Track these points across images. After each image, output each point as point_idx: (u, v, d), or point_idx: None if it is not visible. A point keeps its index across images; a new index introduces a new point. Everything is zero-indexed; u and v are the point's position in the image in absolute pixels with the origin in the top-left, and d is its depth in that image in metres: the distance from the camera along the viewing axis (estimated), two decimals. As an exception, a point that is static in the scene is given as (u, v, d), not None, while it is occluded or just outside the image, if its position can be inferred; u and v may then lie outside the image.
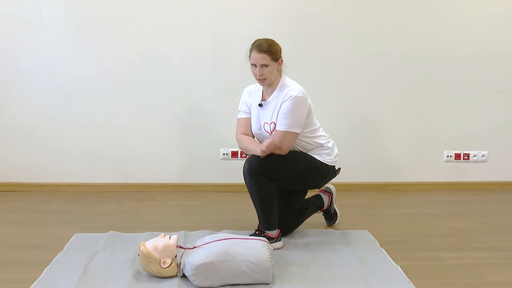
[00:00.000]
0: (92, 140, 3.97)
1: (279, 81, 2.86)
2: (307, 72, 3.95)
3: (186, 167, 4.06)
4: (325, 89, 4.02)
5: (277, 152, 2.78)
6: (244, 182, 2.86)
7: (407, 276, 2.54)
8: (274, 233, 2.89)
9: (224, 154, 4.04)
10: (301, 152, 2.95)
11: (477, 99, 4.15)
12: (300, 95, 2.77)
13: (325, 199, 3.25)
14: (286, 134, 2.77)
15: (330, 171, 3.03)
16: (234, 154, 4.04)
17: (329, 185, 3.31)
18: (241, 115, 3.01)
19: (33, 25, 3.77)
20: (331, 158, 2.99)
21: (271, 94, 2.85)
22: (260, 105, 2.89)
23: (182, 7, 3.81)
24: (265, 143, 2.70)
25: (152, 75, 3.90)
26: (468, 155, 4.24)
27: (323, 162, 2.96)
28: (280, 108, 2.80)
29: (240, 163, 4.01)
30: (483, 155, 4.25)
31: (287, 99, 2.77)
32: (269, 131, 2.85)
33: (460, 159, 4.24)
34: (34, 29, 3.77)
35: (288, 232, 3.06)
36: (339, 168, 3.12)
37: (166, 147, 4.03)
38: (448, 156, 4.23)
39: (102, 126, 3.95)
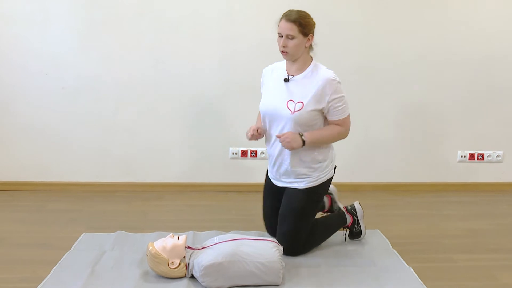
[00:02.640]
0: (100, 138, 3.99)
1: (309, 60, 2.69)
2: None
3: (194, 166, 4.07)
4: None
5: (339, 138, 2.74)
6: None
7: (419, 278, 2.53)
8: (349, 220, 2.98)
9: (233, 153, 4.05)
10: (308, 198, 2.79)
11: (492, 98, 4.12)
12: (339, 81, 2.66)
13: (348, 219, 3.03)
14: (347, 118, 2.75)
15: (330, 180, 2.89)
16: (244, 154, 4.05)
17: (357, 205, 3.11)
18: (262, 89, 2.89)
19: (40, 24, 3.79)
20: (332, 163, 2.89)
21: (301, 72, 2.67)
22: (286, 80, 2.69)
23: (190, 5, 3.82)
24: (282, 137, 2.61)
25: (160, 73, 3.92)
26: (482, 155, 4.22)
27: (324, 181, 2.81)
28: (322, 92, 2.61)
29: (250, 162, 4.06)
30: (498, 156, 4.23)
31: (332, 85, 2.61)
32: (292, 110, 2.63)
33: (474, 159, 4.22)
34: (41, 28, 3.80)
35: (302, 253, 2.85)
36: (335, 166, 2.98)
37: (175, 146, 4.04)
38: (462, 156, 4.21)
39: (110, 125, 3.98)
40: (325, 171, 2.82)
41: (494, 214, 3.67)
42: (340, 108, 2.68)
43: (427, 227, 3.37)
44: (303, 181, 2.77)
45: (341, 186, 4.12)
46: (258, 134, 2.75)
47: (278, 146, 2.73)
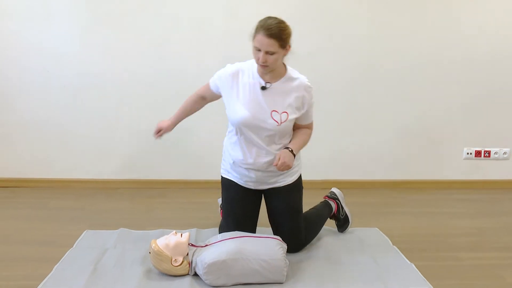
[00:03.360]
0: (102, 135, 4.00)
1: (283, 66, 2.62)
2: (322, 66, 3.94)
3: (198, 163, 4.07)
4: (340, 84, 4.01)
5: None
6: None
7: (423, 276, 2.53)
8: (334, 207, 3.03)
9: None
10: (299, 190, 2.85)
11: (499, 95, 4.11)
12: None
13: (332, 205, 3.08)
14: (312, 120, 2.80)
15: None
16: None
17: (335, 189, 3.17)
18: (211, 87, 2.75)
19: (41, 20, 3.79)
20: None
21: (278, 79, 2.59)
22: (264, 88, 2.58)
23: (193, 1, 3.81)
24: (279, 165, 2.54)
25: (163, 70, 3.91)
26: (489, 152, 4.20)
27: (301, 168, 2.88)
28: (301, 99, 2.61)
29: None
30: (504, 153, 4.21)
31: (308, 90, 2.63)
32: (279, 121, 2.58)
33: (480, 156, 4.21)
34: (43, 24, 3.80)
35: (305, 246, 2.88)
36: None
37: (178, 143, 4.04)
38: (468, 153, 4.20)
39: (112, 121, 3.98)
40: (299, 159, 2.86)
41: (501, 212, 3.66)
42: (311, 112, 2.73)
43: (432, 225, 3.36)
44: (291, 176, 2.79)
45: (344, 184, 4.14)
46: (160, 136, 2.93)
47: (261, 154, 2.66)
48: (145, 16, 3.83)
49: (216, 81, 2.72)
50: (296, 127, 2.75)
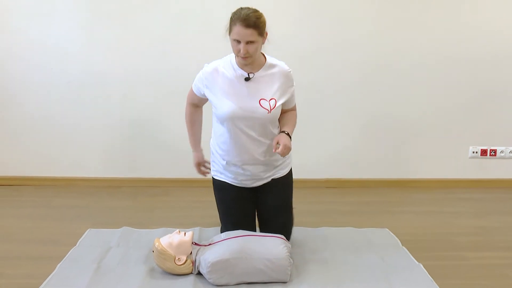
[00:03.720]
0: (106, 133, 4.00)
1: (261, 55, 2.63)
2: (329, 63, 3.94)
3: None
4: (347, 82, 4.00)
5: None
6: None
7: (430, 276, 2.52)
8: None
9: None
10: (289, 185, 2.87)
11: (505, 92, 4.09)
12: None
13: None
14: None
15: None
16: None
17: None
18: (195, 91, 2.75)
19: (45, 17, 3.80)
20: None
21: (260, 68, 2.60)
22: (248, 78, 2.58)
23: (198, -3, 3.83)
24: (282, 149, 2.52)
25: (167, 67, 3.91)
26: (495, 151, 4.19)
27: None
28: (285, 84, 2.63)
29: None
30: (510, 151, 4.19)
31: (289, 75, 2.64)
32: (268, 108, 2.58)
33: (486, 155, 4.19)
34: (47, 21, 3.81)
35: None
36: None
37: (181, 141, 4.02)
38: (473, 152, 4.18)
39: (116, 119, 3.98)
40: (290, 154, 2.80)
41: (506, 211, 3.65)
42: (294, 95, 2.74)
43: (438, 224, 3.35)
44: (283, 168, 2.80)
45: (349, 183, 4.14)
46: (206, 168, 2.92)
47: (255, 146, 2.65)
48: (149, 13, 3.83)
49: (197, 84, 2.72)
50: (281, 113, 2.73)
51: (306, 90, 3.79)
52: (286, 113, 2.76)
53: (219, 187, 2.83)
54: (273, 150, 2.54)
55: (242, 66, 2.59)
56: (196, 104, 2.87)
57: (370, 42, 3.95)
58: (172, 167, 4.08)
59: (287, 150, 2.53)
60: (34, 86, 3.90)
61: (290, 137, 2.62)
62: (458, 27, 3.95)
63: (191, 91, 2.80)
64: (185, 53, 3.89)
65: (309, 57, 3.89)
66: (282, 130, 2.66)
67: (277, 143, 2.53)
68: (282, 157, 2.73)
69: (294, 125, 2.76)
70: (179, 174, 4.08)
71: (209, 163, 2.92)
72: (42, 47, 3.85)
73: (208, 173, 2.96)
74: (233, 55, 2.62)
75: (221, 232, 2.83)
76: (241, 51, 2.45)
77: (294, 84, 2.71)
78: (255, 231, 2.80)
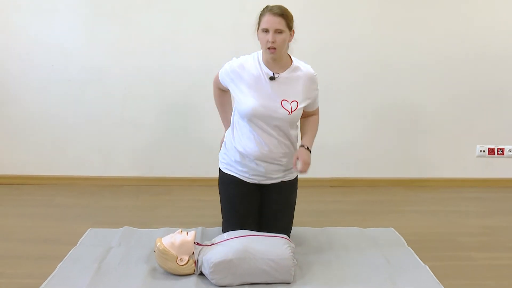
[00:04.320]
0: (107, 132, 4.00)
1: (288, 57, 2.71)
2: (331, 63, 3.93)
3: (204, 160, 4.06)
4: (352, 80, 3.99)
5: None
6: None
7: (436, 277, 2.51)
8: None
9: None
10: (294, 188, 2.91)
11: (512, 90, 4.08)
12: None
13: None
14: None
15: None
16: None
17: None
18: (222, 79, 2.78)
19: (46, 15, 3.80)
20: None
21: (286, 69, 2.66)
22: (272, 78, 2.63)
23: (201, -7, 3.82)
24: (302, 167, 2.61)
25: (169, 65, 3.90)
26: (502, 150, 4.17)
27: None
28: (309, 88, 2.69)
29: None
30: (518, 150, 4.19)
31: (314, 79, 2.71)
32: (289, 110, 2.63)
33: (494, 154, 4.17)
34: (48, 19, 3.80)
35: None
36: None
37: (183, 139, 4.04)
38: (481, 151, 4.16)
39: (117, 117, 3.98)
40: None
41: (514, 211, 3.64)
42: (317, 99, 2.80)
43: (444, 224, 3.34)
44: (293, 172, 2.84)
45: (354, 182, 4.12)
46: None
47: (270, 144, 2.68)
48: (151, 11, 3.82)
49: (223, 75, 2.77)
50: (303, 115, 2.79)
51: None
52: (308, 119, 2.83)
53: (226, 181, 2.84)
54: (293, 167, 2.68)
55: (269, 61, 2.64)
56: (222, 89, 2.90)
57: (376, 41, 3.94)
58: (175, 166, 4.07)
59: (306, 167, 2.62)
60: (35, 83, 3.90)
61: (310, 151, 2.68)
62: (468, 21, 3.94)
63: (217, 77, 2.85)
64: (187, 50, 3.89)
65: (313, 56, 3.88)
66: (302, 143, 2.73)
67: (297, 158, 2.63)
68: (290, 161, 2.78)
69: (315, 134, 2.82)
70: (181, 172, 4.08)
71: None
72: (42, 45, 3.84)
73: None
74: (260, 52, 2.68)
75: (222, 230, 2.84)
76: (270, 39, 2.52)
77: (319, 88, 2.77)
78: (258, 230, 2.79)
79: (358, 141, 4.11)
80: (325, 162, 4.09)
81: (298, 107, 2.65)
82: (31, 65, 3.87)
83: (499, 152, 4.16)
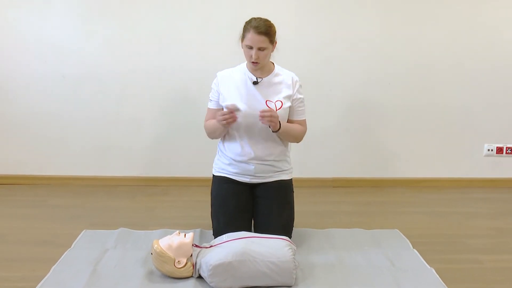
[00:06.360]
0: (103, 130, 4.00)
1: (270, 63, 2.90)
2: (335, 58, 3.93)
3: (202, 160, 4.05)
4: (353, 80, 3.99)
5: (292, 141, 2.94)
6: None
7: (442, 280, 2.51)
8: None
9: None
10: (291, 191, 3.00)
11: (521, 87, 4.08)
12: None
13: None
14: (305, 121, 2.97)
15: None
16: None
17: None
18: (213, 105, 2.96)
19: (40, 10, 3.79)
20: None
21: (268, 74, 2.87)
22: (256, 82, 2.84)
23: (199, -13, 3.81)
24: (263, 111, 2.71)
25: (167, 62, 3.90)
26: (511, 148, 4.17)
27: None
28: (288, 88, 2.86)
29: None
30: (527, 149, 4.19)
31: (297, 85, 2.88)
32: (274, 108, 2.81)
33: (502, 153, 4.18)
34: (42, 14, 3.80)
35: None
36: None
37: (180, 139, 4.04)
38: (489, 150, 4.17)
39: (113, 116, 3.98)
40: (291, 164, 3.06)
41: (523, 212, 3.64)
42: (301, 109, 2.94)
43: (451, 225, 3.34)
44: (285, 174, 2.97)
45: (358, 182, 4.12)
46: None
47: (258, 144, 2.86)
48: (147, 7, 3.82)
49: (212, 96, 2.95)
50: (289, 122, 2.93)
51: (312, 88, 3.77)
52: (294, 123, 2.95)
53: (218, 182, 2.98)
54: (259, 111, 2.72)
55: (253, 71, 2.86)
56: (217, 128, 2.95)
57: (381, 39, 3.94)
58: (171, 165, 4.08)
59: (268, 117, 2.68)
60: (28, 81, 3.90)
61: (280, 123, 2.76)
62: (473, 17, 3.94)
63: (208, 111, 3.00)
64: (184, 48, 3.89)
65: (315, 54, 3.88)
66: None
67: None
68: (287, 163, 2.98)
69: (292, 128, 2.89)
70: (179, 172, 4.08)
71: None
72: (36, 39, 3.84)
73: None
74: (244, 63, 2.91)
75: (213, 233, 2.88)
76: (253, 56, 2.73)
77: (302, 98, 2.92)
78: (250, 230, 2.83)
79: (362, 140, 4.11)
80: (328, 161, 4.09)
81: (283, 106, 2.82)
82: (25, 62, 3.86)
83: (507, 151, 4.17)
